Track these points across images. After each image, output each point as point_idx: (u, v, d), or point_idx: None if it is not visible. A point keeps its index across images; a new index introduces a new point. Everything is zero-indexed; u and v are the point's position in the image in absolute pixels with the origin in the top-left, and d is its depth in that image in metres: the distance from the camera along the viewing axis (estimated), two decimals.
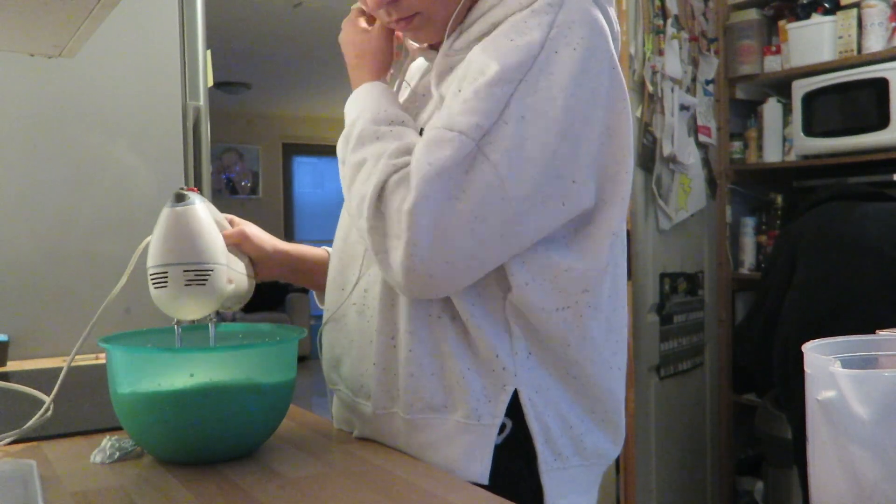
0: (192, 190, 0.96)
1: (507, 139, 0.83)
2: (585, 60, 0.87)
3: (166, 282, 0.91)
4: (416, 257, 0.83)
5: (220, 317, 1.03)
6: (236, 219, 1.14)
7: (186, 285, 0.92)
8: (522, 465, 0.93)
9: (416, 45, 1.06)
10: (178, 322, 0.96)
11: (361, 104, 0.98)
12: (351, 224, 1.05)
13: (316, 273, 1.19)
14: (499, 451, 0.91)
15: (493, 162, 0.83)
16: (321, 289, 1.19)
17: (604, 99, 0.89)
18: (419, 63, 1.11)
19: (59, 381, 0.91)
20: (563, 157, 0.86)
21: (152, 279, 0.92)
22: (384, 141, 0.91)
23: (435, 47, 1.01)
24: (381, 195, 0.86)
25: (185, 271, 0.92)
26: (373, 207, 0.86)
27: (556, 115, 0.85)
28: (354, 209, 0.90)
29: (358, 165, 0.92)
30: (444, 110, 0.87)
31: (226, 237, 1.03)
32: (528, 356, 0.93)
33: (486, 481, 0.90)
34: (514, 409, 0.92)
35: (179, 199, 0.94)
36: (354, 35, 1.06)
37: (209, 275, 0.93)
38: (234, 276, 1.01)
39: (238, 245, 1.10)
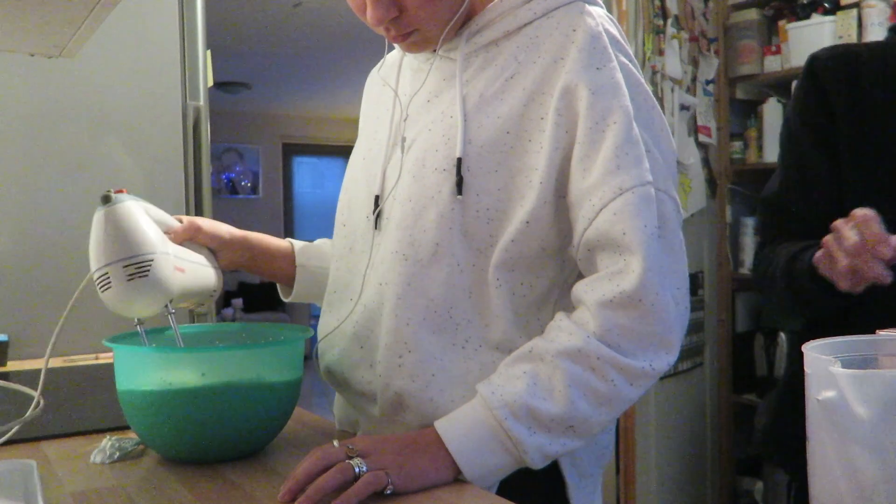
0: (121, 191, 0.95)
1: (658, 164, 0.90)
2: (633, 62, 0.95)
3: (110, 282, 0.90)
4: (679, 307, 0.89)
5: (220, 316, 1.02)
6: (187, 217, 1.11)
7: (129, 280, 0.90)
8: (549, 487, 0.93)
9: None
10: (140, 322, 0.95)
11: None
12: (354, 234, 1.04)
13: (277, 260, 1.18)
14: (521, 471, 0.87)
15: (664, 189, 0.90)
16: (282, 280, 1.19)
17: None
18: (393, 58, 1.10)
19: (41, 376, 0.90)
20: (673, 156, 0.97)
21: (98, 284, 0.91)
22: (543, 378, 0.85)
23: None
24: (615, 350, 0.85)
25: (124, 267, 0.90)
26: (626, 363, 0.85)
27: (660, 121, 0.94)
28: (621, 397, 0.86)
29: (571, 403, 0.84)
30: (601, 168, 0.86)
31: (177, 231, 1.03)
32: None
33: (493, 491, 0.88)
34: None
35: (105, 200, 0.93)
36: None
37: (149, 265, 0.92)
38: (185, 265, 0.99)
39: (192, 237, 1.08)
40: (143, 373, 0.88)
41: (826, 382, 0.61)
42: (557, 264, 0.93)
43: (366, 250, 1.00)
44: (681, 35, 2.70)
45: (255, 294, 7.18)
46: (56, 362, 1.59)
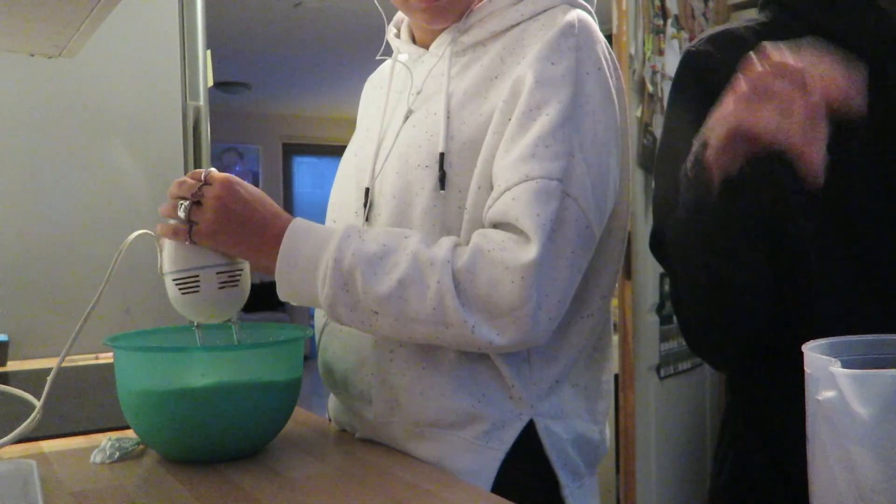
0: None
1: (578, 171, 0.86)
2: (607, 76, 0.92)
3: (198, 286, 0.88)
4: (541, 313, 0.83)
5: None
6: None
7: (220, 288, 0.89)
8: (544, 487, 0.93)
9: (399, 44, 1.08)
10: (199, 325, 0.94)
11: (313, 256, 0.87)
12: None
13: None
14: (516, 472, 0.90)
15: (574, 197, 0.86)
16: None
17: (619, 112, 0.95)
18: (387, 65, 1.13)
19: (46, 387, 0.90)
20: (615, 178, 0.92)
21: (180, 284, 0.89)
22: (393, 261, 0.85)
23: (425, 45, 1.04)
24: (457, 288, 0.83)
25: (218, 273, 0.88)
26: (455, 305, 0.82)
27: (603, 138, 0.89)
28: (430, 330, 0.85)
29: (393, 295, 0.84)
30: (517, 153, 0.86)
31: None
32: (549, 387, 0.93)
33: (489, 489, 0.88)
34: (531, 437, 0.91)
35: None
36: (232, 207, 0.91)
37: (240, 274, 0.91)
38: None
39: None
40: (142, 373, 0.88)
41: (826, 382, 0.61)
42: None
43: None
44: (681, 35, 2.70)
45: (254, 294, 7.17)
46: (56, 362, 1.59)
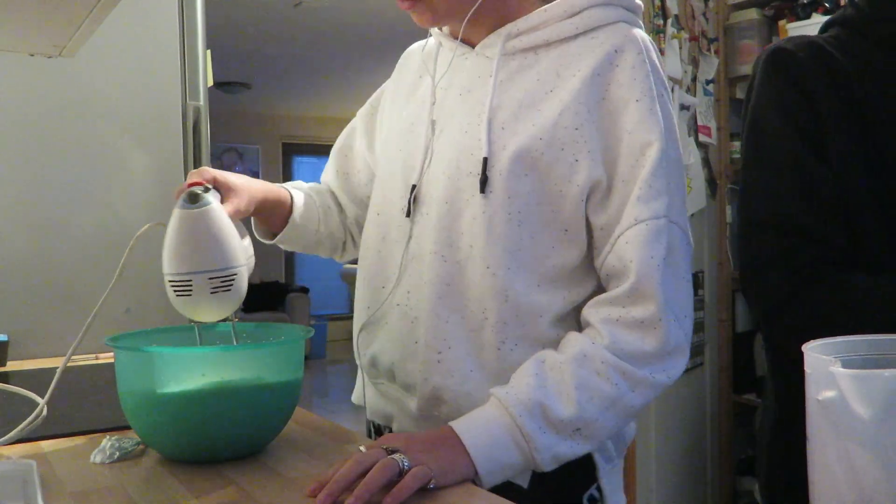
0: (199, 183, 0.92)
1: (676, 199, 0.95)
2: (670, 92, 1.00)
3: (190, 290, 0.88)
4: (682, 334, 0.94)
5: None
6: (219, 177, 1.01)
7: (212, 293, 0.89)
8: (581, 471, 0.98)
9: (441, 38, 1.08)
10: (198, 323, 0.95)
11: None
12: (389, 223, 1.05)
13: (276, 215, 1.15)
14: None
15: (675, 222, 0.94)
16: (272, 225, 1.16)
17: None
18: (431, 45, 1.12)
19: (52, 384, 0.90)
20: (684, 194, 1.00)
21: (174, 286, 0.89)
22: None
23: (469, 42, 1.04)
24: (618, 357, 0.90)
25: (210, 279, 0.88)
26: (627, 368, 0.89)
27: (679, 153, 0.97)
28: (626, 403, 0.90)
29: (581, 404, 0.88)
30: (627, 198, 0.92)
31: (240, 212, 0.98)
32: None
33: (525, 484, 0.93)
34: None
35: (193, 199, 0.89)
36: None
37: (234, 279, 0.90)
38: (250, 267, 0.97)
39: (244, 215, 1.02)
40: (143, 373, 0.88)
41: (826, 382, 0.61)
42: (598, 276, 0.98)
43: (400, 239, 1.03)
44: (681, 35, 2.70)
45: (254, 294, 7.19)
46: (56, 362, 1.59)
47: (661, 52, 2.58)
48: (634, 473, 2.51)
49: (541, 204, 0.94)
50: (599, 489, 0.99)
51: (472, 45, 1.03)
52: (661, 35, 2.60)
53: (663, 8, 2.61)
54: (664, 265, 0.91)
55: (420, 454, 0.79)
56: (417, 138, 1.04)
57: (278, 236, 1.17)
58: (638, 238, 0.91)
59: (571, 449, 0.88)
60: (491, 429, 0.85)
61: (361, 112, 1.24)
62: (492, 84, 0.97)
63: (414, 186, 1.01)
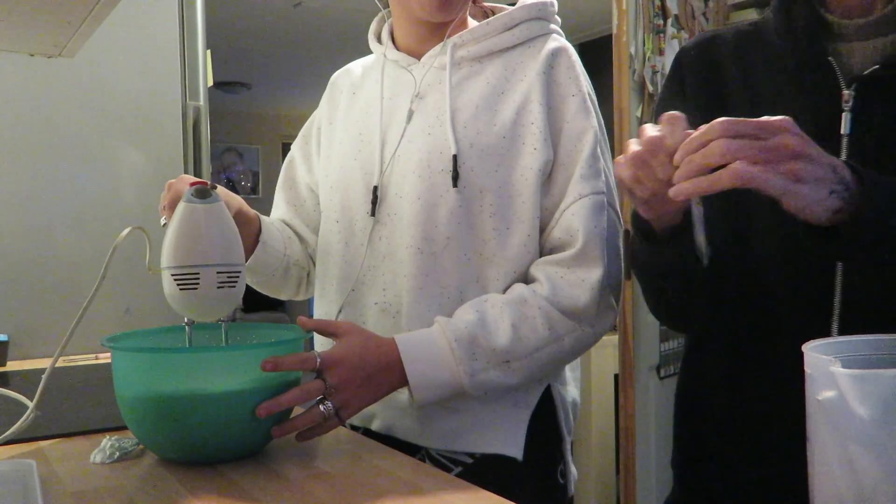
0: (203, 182, 0.92)
1: (609, 182, 1.07)
2: (594, 93, 1.11)
3: (197, 283, 0.87)
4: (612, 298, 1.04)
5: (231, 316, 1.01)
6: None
7: (219, 287, 0.88)
8: (552, 444, 1.09)
9: (385, 50, 1.16)
10: (190, 322, 0.94)
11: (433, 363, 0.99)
12: (352, 227, 1.12)
13: (249, 224, 1.15)
14: (534, 430, 1.05)
15: (611, 202, 1.06)
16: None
17: None
18: (368, 62, 1.24)
19: (40, 387, 0.89)
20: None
21: (179, 279, 0.88)
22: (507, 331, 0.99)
23: (414, 55, 1.14)
24: (554, 307, 1.00)
25: (218, 273, 0.88)
26: (560, 317, 1.00)
27: (607, 146, 1.09)
28: (552, 350, 1.01)
29: (513, 339, 0.99)
30: (570, 177, 1.04)
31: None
32: None
33: (520, 456, 1.03)
34: (546, 399, 1.08)
35: (203, 194, 0.89)
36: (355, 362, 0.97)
37: (239, 275, 0.91)
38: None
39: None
40: (140, 374, 0.88)
41: (826, 382, 0.61)
42: None
43: (365, 241, 1.09)
44: (681, 35, 2.70)
45: (254, 294, 7.16)
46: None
47: (661, 51, 2.58)
48: (634, 473, 2.51)
49: (512, 196, 1.03)
50: (565, 464, 1.11)
51: (417, 58, 1.13)
52: (661, 35, 2.60)
53: (663, 8, 2.61)
54: (606, 234, 1.03)
55: (351, 390, 0.92)
56: (371, 145, 1.11)
57: (249, 259, 1.15)
58: (583, 210, 1.02)
59: (499, 378, 0.98)
60: (428, 348, 0.96)
61: (295, 143, 1.32)
62: (448, 89, 1.07)
63: (376, 188, 1.08)
